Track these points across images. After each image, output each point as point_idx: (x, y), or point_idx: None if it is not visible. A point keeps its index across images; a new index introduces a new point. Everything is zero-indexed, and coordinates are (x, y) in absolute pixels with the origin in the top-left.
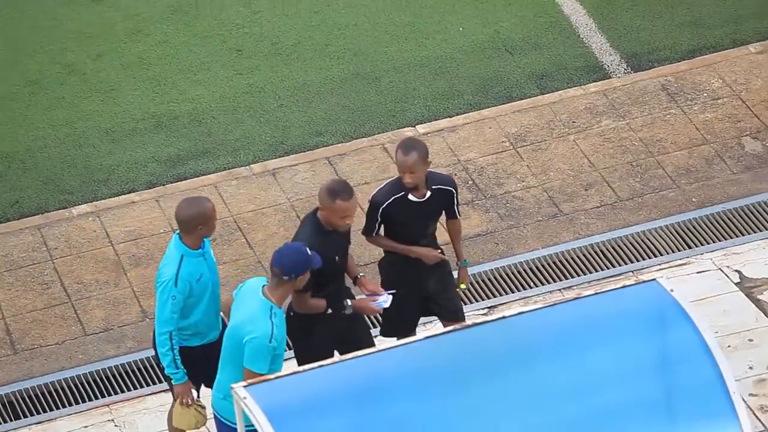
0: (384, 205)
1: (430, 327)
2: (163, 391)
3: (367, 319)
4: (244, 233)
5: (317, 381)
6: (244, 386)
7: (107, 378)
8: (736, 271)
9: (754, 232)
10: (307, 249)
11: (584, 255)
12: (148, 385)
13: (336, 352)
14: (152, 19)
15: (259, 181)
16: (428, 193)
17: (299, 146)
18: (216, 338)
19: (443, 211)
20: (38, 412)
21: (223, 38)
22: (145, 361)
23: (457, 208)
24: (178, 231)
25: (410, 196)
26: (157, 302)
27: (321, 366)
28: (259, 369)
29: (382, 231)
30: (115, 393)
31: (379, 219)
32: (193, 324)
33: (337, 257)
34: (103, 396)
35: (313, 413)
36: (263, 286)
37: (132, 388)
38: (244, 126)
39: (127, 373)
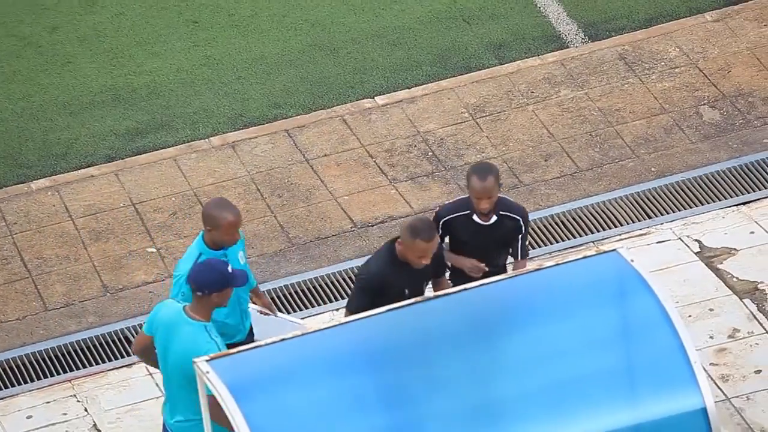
0: (446, 219)
1: None
2: (125, 366)
3: None
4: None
5: (279, 355)
6: (207, 360)
7: (69, 353)
8: (695, 240)
9: (713, 201)
10: (229, 267)
11: (545, 226)
12: (110, 360)
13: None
14: None
15: (219, 154)
16: (494, 218)
17: (258, 119)
18: (243, 339)
19: (511, 243)
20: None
21: (180, 10)
22: (107, 336)
23: (524, 246)
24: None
25: (475, 217)
26: (170, 296)
27: (283, 339)
28: None
29: (446, 244)
30: (77, 368)
31: (440, 231)
32: (219, 324)
33: (407, 290)
34: (65, 371)
35: (275, 387)
36: (183, 307)
37: (94, 363)
38: (203, 98)
39: (89, 348)
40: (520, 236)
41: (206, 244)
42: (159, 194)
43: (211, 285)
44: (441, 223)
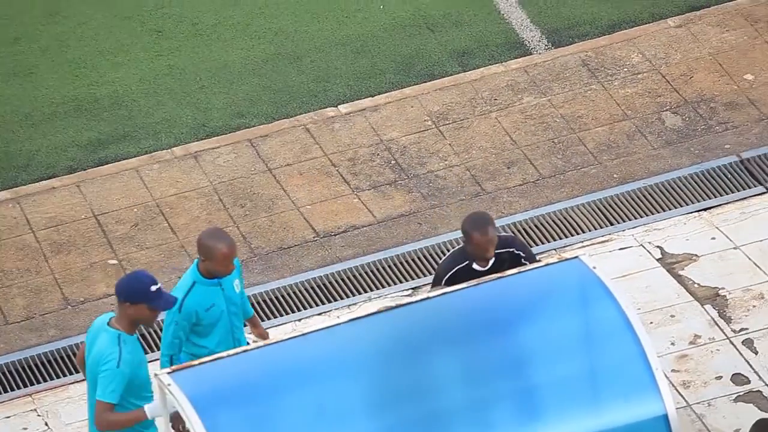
0: (447, 276)
1: (354, 309)
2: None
3: None
4: (166, 217)
5: (242, 366)
6: (168, 373)
7: (29, 367)
8: (657, 247)
9: (675, 208)
10: (154, 287)
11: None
12: (71, 373)
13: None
14: (70, 1)
15: (181, 165)
16: (492, 260)
17: (221, 128)
18: None
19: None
20: None
21: (143, 19)
22: (68, 349)
23: (530, 258)
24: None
25: (474, 265)
26: (163, 324)
27: (245, 351)
28: (109, 398)
29: None
30: (38, 382)
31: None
32: (209, 352)
33: None
34: (25, 385)
35: (237, 398)
36: (110, 318)
37: (55, 377)
38: (165, 108)
39: (49, 361)
40: (523, 260)
41: (200, 272)
42: (121, 205)
43: (126, 293)
44: (444, 281)
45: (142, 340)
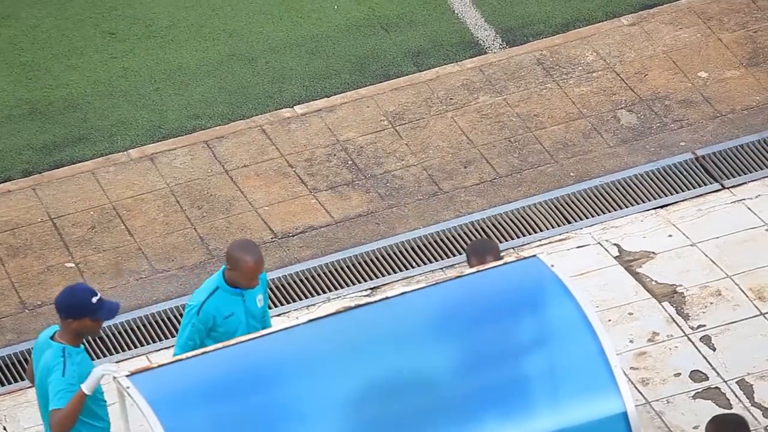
0: None
1: (313, 309)
2: None
3: None
4: (123, 220)
5: (200, 368)
6: (127, 375)
7: None
8: (614, 244)
9: (632, 206)
10: (94, 298)
11: (465, 233)
12: None
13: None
14: (22, 4)
15: (137, 167)
16: None
17: (177, 130)
18: None
19: None
20: None
21: (96, 21)
22: (26, 353)
23: None
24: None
25: None
26: (180, 324)
27: (204, 353)
28: (58, 404)
29: None
30: None
31: None
32: None
33: None
34: None
35: (197, 400)
36: (54, 333)
37: (13, 381)
38: (121, 111)
39: (7, 365)
40: None
41: (225, 280)
42: (77, 208)
43: (67, 309)
44: None
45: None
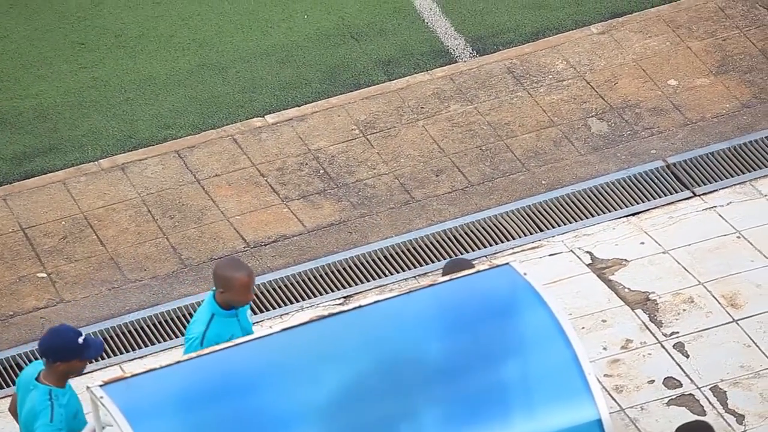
0: None
1: (286, 318)
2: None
3: None
4: (95, 230)
5: (175, 377)
6: (101, 386)
7: None
8: (587, 252)
9: (604, 213)
10: (81, 338)
11: (437, 241)
12: (2, 387)
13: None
14: None
15: (109, 177)
16: None
17: (148, 140)
18: None
19: None
20: None
21: (65, 32)
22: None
23: None
24: (213, 288)
25: None
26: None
27: (178, 362)
28: None
29: None
30: None
31: None
32: None
33: None
34: None
35: (171, 410)
36: (39, 373)
37: None
38: (91, 120)
39: None
40: None
41: (218, 304)
42: (49, 218)
43: (55, 354)
44: None
45: None
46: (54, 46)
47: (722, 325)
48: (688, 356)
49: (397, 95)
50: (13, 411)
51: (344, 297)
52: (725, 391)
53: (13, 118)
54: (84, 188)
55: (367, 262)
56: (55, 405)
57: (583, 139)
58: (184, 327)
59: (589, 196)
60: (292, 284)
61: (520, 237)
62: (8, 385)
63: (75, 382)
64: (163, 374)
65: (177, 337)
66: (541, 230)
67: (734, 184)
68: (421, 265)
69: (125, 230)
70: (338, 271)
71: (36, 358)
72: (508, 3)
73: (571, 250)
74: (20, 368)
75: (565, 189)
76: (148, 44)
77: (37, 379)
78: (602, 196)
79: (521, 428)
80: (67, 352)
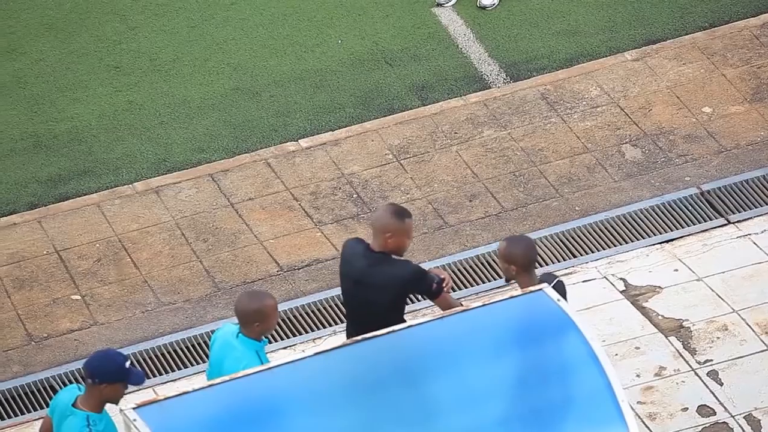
0: None
1: (319, 342)
2: None
3: None
4: (129, 253)
5: (208, 400)
6: (134, 408)
7: None
8: (620, 279)
9: (637, 240)
10: (127, 363)
11: (470, 266)
12: (35, 409)
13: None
14: (27, 38)
15: (143, 200)
16: None
17: (182, 163)
18: None
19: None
20: None
21: (101, 55)
22: (32, 386)
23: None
24: (238, 326)
25: None
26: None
27: (211, 385)
28: None
29: None
30: (2, 419)
31: None
32: None
33: None
34: None
35: None
36: (76, 398)
37: (19, 413)
38: (126, 144)
39: (13, 397)
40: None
41: (254, 338)
42: (83, 241)
43: (103, 374)
44: None
45: None
46: (89, 70)
47: (756, 353)
48: (722, 384)
49: (430, 120)
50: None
51: None
52: (759, 420)
53: (48, 140)
54: (118, 211)
55: None
56: (93, 431)
57: (617, 166)
58: None
59: (622, 223)
60: (324, 308)
61: (553, 263)
62: (41, 407)
63: (108, 406)
64: (196, 397)
65: None
66: (575, 256)
67: None
68: (454, 291)
69: (159, 253)
70: None
71: (71, 381)
72: (542, 29)
73: (605, 277)
74: (54, 390)
75: (599, 215)
76: (183, 68)
77: (73, 405)
78: (636, 222)
79: None
80: (114, 374)
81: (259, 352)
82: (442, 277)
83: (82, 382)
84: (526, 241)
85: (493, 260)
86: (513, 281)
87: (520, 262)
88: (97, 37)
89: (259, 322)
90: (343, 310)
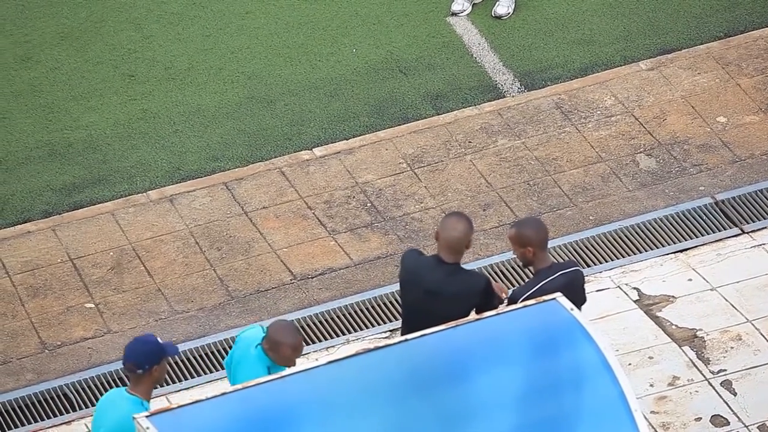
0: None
1: (332, 351)
2: (64, 423)
3: None
4: (143, 261)
5: (221, 409)
6: (147, 416)
7: (7, 411)
8: (634, 288)
9: (651, 249)
10: (158, 338)
11: None
12: (48, 417)
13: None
14: (42, 46)
15: (157, 208)
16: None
17: (196, 172)
18: None
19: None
20: None
21: (116, 64)
22: (45, 393)
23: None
24: (263, 335)
25: None
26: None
27: (224, 394)
28: None
29: None
30: (15, 426)
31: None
32: None
33: None
34: (3, 430)
35: None
36: (125, 388)
37: (32, 421)
38: (140, 152)
39: (27, 405)
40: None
41: (273, 360)
42: (97, 249)
43: (150, 358)
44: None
45: None
46: (104, 78)
47: None
48: (735, 394)
49: (445, 129)
50: None
51: (390, 330)
52: None
53: (62, 149)
54: (132, 219)
55: None
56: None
57: (631, 175)
58: None
59: (636, 232)
60: (338, 317)
61: None
62: (55, 415)
63: None
64: (209, 406)
65: (223, 368)
66: (589, 266)
67: None
68: None
69: (173, 261)
70: (385, 304)
71: (84, 389)
72: (556, 38)
73: (618, 286)
74: (67, 398)
75: (613, 225)
76: (198, 77)
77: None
78: (650, 232)
79: None
80: (157, 354)
81: (270, 368)
82: (503, 298)
83: (114, 386)
84: (535, 220)
85: (506, 269)
86: (530, 266)
87: (536, 242)
88: (112, 45)
89: (271, 349)
90: (356, 319)
